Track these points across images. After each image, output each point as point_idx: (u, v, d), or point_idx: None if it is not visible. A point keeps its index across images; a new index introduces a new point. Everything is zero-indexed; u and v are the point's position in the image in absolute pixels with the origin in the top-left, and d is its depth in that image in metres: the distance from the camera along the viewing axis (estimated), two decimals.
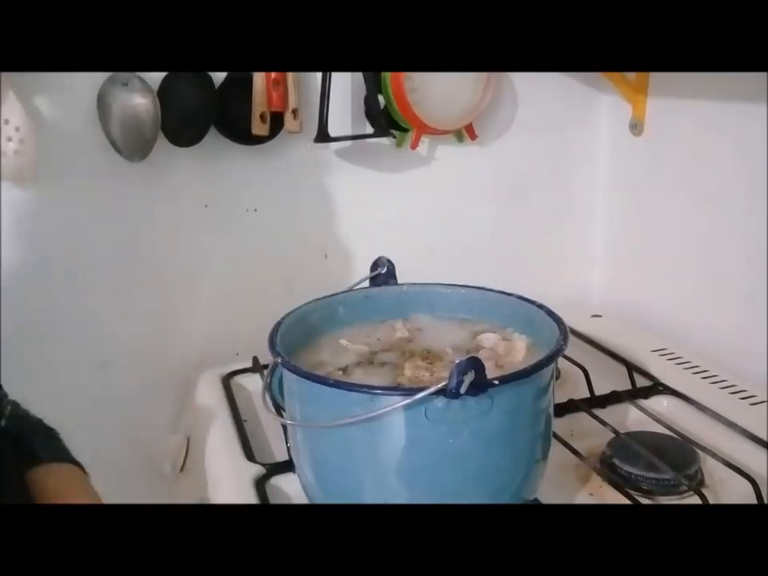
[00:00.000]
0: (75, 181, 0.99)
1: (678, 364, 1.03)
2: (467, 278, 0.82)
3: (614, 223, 1.27)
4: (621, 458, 0.78)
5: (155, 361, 1.09)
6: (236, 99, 1.00)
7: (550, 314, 0.73)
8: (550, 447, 0.70)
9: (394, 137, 1.11)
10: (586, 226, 1.29)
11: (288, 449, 0.77)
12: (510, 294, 0.78)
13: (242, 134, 1.02)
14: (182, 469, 0.95)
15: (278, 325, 0.72)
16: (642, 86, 1.15)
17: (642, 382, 0.96)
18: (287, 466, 0.77)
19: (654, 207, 1.17)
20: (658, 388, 0.95)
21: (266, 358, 0.73)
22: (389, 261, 0.83)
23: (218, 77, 1.00)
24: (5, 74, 0.88)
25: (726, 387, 0.96)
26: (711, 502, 0.72)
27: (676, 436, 0.82)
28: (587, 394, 0.92)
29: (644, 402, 0.92)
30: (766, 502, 0.71)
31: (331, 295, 0.80)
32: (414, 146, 1.10)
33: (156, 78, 0.97)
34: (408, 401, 0.58)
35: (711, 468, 0.79)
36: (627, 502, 0.73)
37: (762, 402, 0.92)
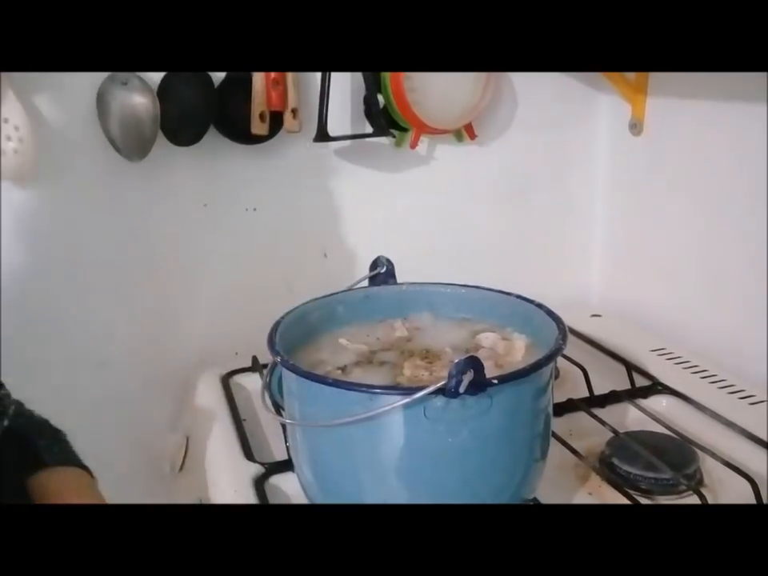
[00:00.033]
0: (74, 180, 0.99)
1: (677, 364, 1.03)
2: (466, 277, 0.82)
3: (613, 223, 1.27)
4: (620, 458, 0.78)
5: (154, 360, 1.09)
6: (235, 98, 1.00)
7: (550, 313, 0.73)
8: (549, 447, 0.70)
9: (394, 136, 1.11)
10: (586, 225, 1.29)
11: (287, 448, 0.77)
12: (509, 294, 0.78)
13: (241, 134, 1.02)
14: (181, 468, 0.95)
15: (278, 324, 0.72)
16: (642, 86, 1.15)
17: (641, 381, 0.97)
18: (286, 466, 0.77)
19: (654, 207, 1.17)
20: (657, 388, 0.95)
21: (266, 357, 0.73)
22: (388, 260, 0.83)
23: (218, 76, 1.00)
24: (4, 74, 0.88)
25: (725, 387, 0.96)
26: (710, 501, 0.72)
27: (675, 436, 0.82)
28: (586, 394, 0.92)
29: (643, 402, 0.92)
30: (764, 501, 0.71)
31: (330, 294, 0.80)
32: (413, 146, 1.10)
33: (155, 77, 0.97)
34: (407, 400, 0.58)
35: (710, 468, 0.79)
36: (626, 501, 0.73)
37: (761, 402, 0.92)
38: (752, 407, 0.91)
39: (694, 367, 1.02)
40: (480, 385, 0.58)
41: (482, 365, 0.57)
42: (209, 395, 0.97)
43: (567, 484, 0.78)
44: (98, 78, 0.95)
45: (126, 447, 1.07)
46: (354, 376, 0.70)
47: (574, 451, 0.80)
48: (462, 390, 0.57)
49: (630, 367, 0.98)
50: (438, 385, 0.57)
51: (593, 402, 0.91)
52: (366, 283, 0.83)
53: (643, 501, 0.74)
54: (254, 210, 1.09)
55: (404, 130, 1.10)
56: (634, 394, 0.93)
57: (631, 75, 1.15)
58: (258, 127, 1.01)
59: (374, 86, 1.05)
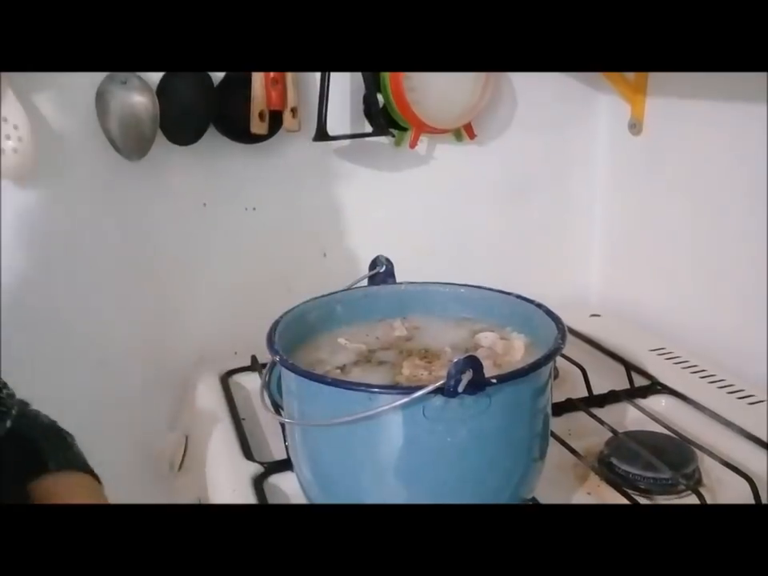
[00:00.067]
0: (74, 179, 0.99)
1: (676, 363, 1.03)
2: (466, 277, 0.82)
3: (612, 223, 1.27)
4: (619, 458, 0.78)
5: (154, 359, 1.09)
6: (235, 98, 1.00)
7: (549, 313, 0.73)
8: (547, 446, 0.70)
9: (393, 136, 1.11)
10: (585, 225, 1.29)
11: (286, 447, 0.77)
12: (508, 294, 0.78)
13: (240, 133, 1.02)
14: (180, 467, 0.95)
15: (277, 323, 0.72)
16: (641, 86, 1.15)
17: (640, 381, 0.97)
18: (285, 465, 0.77)
19: (653, 207, 1.17)
20: (656, 387, 0.95)
21: (265, 356, 0.73)
22: (387, 260, 0.83)
23: (217, 75, 1.00)
24: (4, 73, 0.88)
25: (725, 387, 0.96)
26: (709, 501, 0.72)
27: (674, 435, 0.83)
28: (585, 394, 0.92)
29: (642, 402, 0.92)
30: (763, 501, 0.71)
31: (330, 294, 0.80)
32: (412, 145, 1.10)
33: (155, 76, 0.97)
34: (406, 399, 0.58)
35: (709, 467, 0.79)
36: (625, 501, 0.73)
37: (760, 402, 0.92)
38: (751, 407, 0.91)
39: (693, 367, 1.02)
40: (479, 384, 0.58)
41: (481, 364, 0.57)
42: (208, 394, 0.97)
43: (566, 484, 0.79)
44: (97, 77, 0.95)
45: (125, 446, 1.07)
46: (353, 375, 0.70)
47: (572, 451, 0.80)
48: (460, 389, 0.57)
49: (629, 367, 0.98)
50: (437, 384, 0.57)
51: (592, 402, 0.91)
52: (365, 283, 0.83)
53: (642, 500, 0.74)
54: (254, 209, 1.09)
55: (403, 129, 1.10)
56: (633, 394, 0.93)
57: (631, 75, 1.15)
58: (258, 126, 1.01)
59: (373, 86, 1.05)
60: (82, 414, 0.98)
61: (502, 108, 1.18)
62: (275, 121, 1.02)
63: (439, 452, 0.62)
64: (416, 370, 0.70)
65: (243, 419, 0.90)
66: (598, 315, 1.22)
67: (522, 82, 1.17)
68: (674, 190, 1.13)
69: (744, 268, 1.02)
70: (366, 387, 0.61)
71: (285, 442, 0.77)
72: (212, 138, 1.02)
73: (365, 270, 0.84)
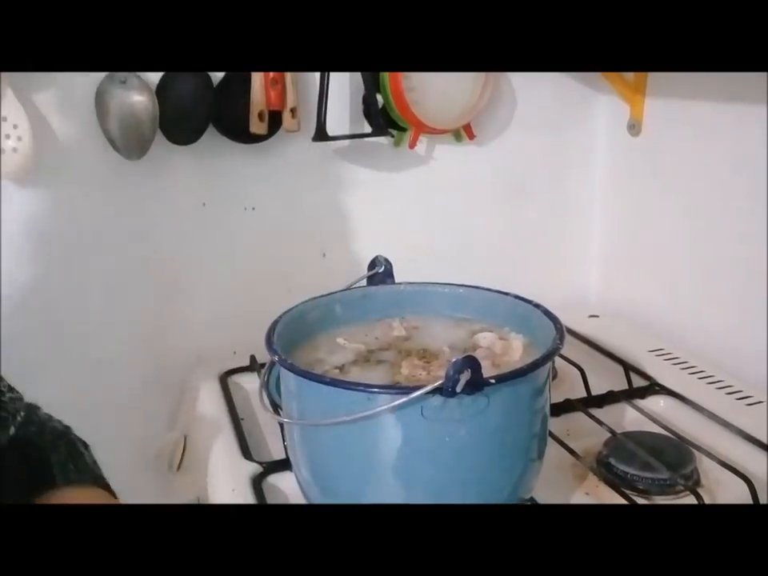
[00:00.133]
0: (73, 179, 0.99)
1: (674, 364, 1.03)
2: (465, 277, 0.82)
3: (611, 223, 1.27)
4: (617, 458, 0.78)
5: (152, 359, 1.09)
6: (234, 98, 1.00)
7: (547, 313, 0.73)
8: (546, 446, 0.70)
9: (392, 136, 1.11)
10: (584, 225, 1.29)
11: (285, 447, 0.77)
12: (507, 294, 0.78)
13: (240, 133, 1.02)
14: (179, 467, 0.95)
15: (275, 323, 0.72)
16: (640, 87, 1.15)
17: (638, 381, 0.97)
18: (284, 465, 0.77)
19: (652, 207, 1.17)
20: (654, 388, 0.95)
21: (264, 356, 0.73)
22: (386, 260, 0.83)
23: (217, 75, 1.00)
24: (3, 73, 0.88)
25: (723, 388, 0.96)
26: (707, 501, 0.72)
27: (672, 436, 0.83)
28: (584, 394, 0.92)
29: (640, 402, 0.92)
30: (761, 502, 0.72)
31: (329, 294, 0.80)
32: (412, 146, 1.10)
33: (154, 76, 0.97)
34: (404, 399, 0.58)
35: (707, 468, 0.79)
36: (623, 501, 0.73)
37: (758, 403, 0.92)
38: (749, 408, 0.91)
39: (691, 368, 1.02)
40: (477, 384, 0.58)
41: (480, 364, 0.57)
42: (207, 394, 0.97)
43: (564, 484, 0.79)
44: (96, 76, 0.95)
45: (124, 446, 1.06)
46: (351, 375, 0.70)
47: (571, 451, 0.80)
48: (459, 389, 0.57)
49: (628, 367, 0.98)
50: (436, 384, 0.57)
51: (590, 402, 0.91)
52: (364, 283, 0.83)
53: (640, 501, 0.74)
54: (253, 209, 1.09)
55: (403, 129, 1.10)
56: (631, 395, 0.93)
57: (630, 75, 1.16)
58: (257, 126, 1.01)
59: (372, 86, 1.05)
60: (80, 413, 0.98)
61: (502, 108, 1.18)
62: (274, 121, 1.02)
63: (437, 452, 0.62)
64: (414, 370, 0.70)
65: (242, 419, 0.90)
66: (597, 316, 1.22)
67: (521, 82, 1.17)
68: (673, 190, 1.13)
69: (743, 269, 1.02)
70: (364, 387, 0.61)
71: (283, 441, 0.77)
72: (211, 137, 1.02)
73: (364, 270, 0.84)
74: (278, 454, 0.81)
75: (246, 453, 0.82)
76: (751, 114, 0.96)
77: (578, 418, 0.87)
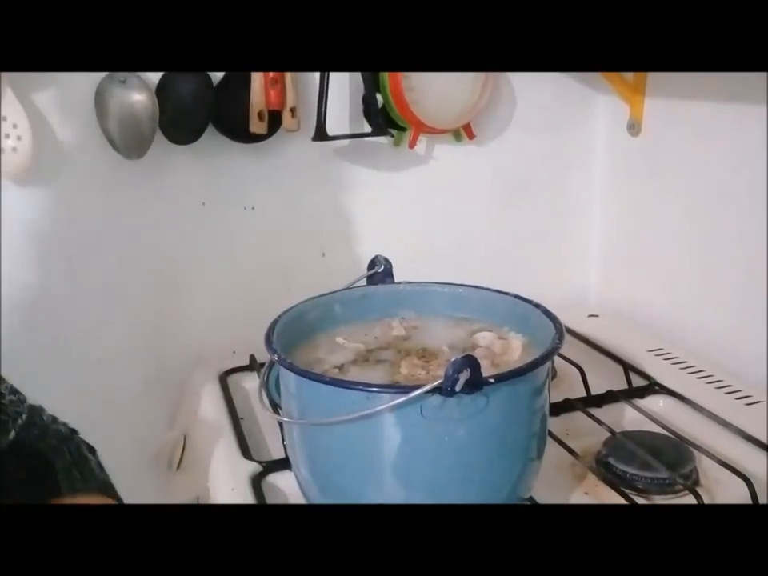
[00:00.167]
0: (73, 178, 0.99)
1: (674, 364, 1.03)
2: (464, 276, 0.82)
3: (611, 223, 1.27)
4: (616, 458, 0.79)
5: (152, 358, 1.09)
6: (234, 97, 1.00)
7: (547, 313, 0.73)
8: (545, 446, 0.70)
9: (392, 136, 1.11)
10: (583, 225, 1.29)
11: (284, 446, 0.77)
12: (506, 293, 0.78)
13: (239, 132, 1.02)
14: (178, 466, 0.95)
15: (275, 323, 0.72)
16: (640, 86, 1.15)
17: (638, 381, 0.97)
18: (283, 464, 0.77)
19: (651, 207, 1.17)
20: (653, 388, 0.95)
21: (263, 355, 0.73)
22: (386, 259, 0.83)
23: (216, 75, 1.00)
24: (3, 73, 0.88)
25: (722, 387, 0.96)
26: (706, 501, 0.72)
27: (671, 435, 0.83)
28: (583, 394, 0.92)
29: (640, 402, 0.92)
30: (761, 501, 0.72)
31: (328, 293, 0.80)
32: (411, 145, 1.10)
33: (154, 75, 0.97)
34: (404, 398, 0.58)
35: (706, 467, 0.79)
36: (622, 501, 0.73)
37: (758, 402, 0.92)
38: (749, 408, 0.91)
39: (691, 367, 1.02)
40: (476, 384, 0.58)
41: (479, 364, 0.57)
42: (206, 394, 0.97)
43: (564, 483, 0.79)
44: (96, 76, 0.95)
45: (124, 445, 1.06)
46: (351, 374, 0.70)
47: (570, 451, 0.80)
48: (458, 388, 0.57)
49: (627, 367, 0.98)
50: (435, 383, 0.57)
51: (590, 402, 0.91)
52: (363, 282, 0.83)
53: (639, 500, 0.74)
54: (253, 208, 1.09)
55: (402, 129, 1.10)
56: (630, 394, 0.93)
57: (629, 75, 1.16)
58: (257, 126, 1.01)
59: (372, 86, 1.05)
60: (80, 413, 0.98)
61: (501, 108, 1.18)
62: (274, 120, 1.02)
63: (437, 451, 0.62)
64: (414, 370, 0.70)
65: (242, 418, 0.90)
66: (596, 315, 1.22)
67: (520, 82, 1.17)
68: (673, 190, 1.13)
69: (742, 268, 1.02)
70: (364, 386, 0.61)
71: (283, 441, 0.77)
72: (211, 137, 1.02)
73: (363, 270, 0.84)
74: (277, 454, 0.81)
75: (246, 452, 0.82)
76: (751, 114, 0.96)
77: (578, 417, 0.87)
